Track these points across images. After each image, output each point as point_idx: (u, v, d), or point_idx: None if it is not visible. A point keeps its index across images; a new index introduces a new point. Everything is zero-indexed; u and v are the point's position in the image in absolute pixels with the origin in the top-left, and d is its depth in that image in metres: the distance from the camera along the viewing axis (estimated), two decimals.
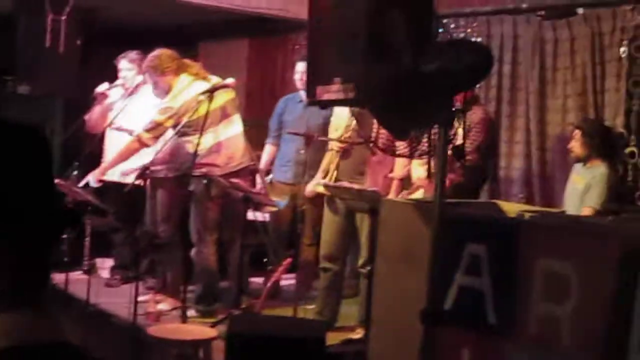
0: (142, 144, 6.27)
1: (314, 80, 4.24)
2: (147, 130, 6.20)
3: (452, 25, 6.94)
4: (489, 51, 3.24)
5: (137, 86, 7.03)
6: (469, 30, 6.91)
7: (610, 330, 3.13)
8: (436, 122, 3.40)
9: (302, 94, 7.22)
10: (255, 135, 7.44)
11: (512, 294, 3.49)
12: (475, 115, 5.57)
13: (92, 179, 6.57)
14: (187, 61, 6.45)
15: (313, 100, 4.28)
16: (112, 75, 7.30)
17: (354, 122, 5.86)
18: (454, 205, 4.06)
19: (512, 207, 4.44)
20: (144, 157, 6.33)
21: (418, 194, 5.47)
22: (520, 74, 6.66)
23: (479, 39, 6.86)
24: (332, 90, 4.11)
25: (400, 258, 4.10)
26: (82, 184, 6.50)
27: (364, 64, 3.64)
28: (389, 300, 4.23)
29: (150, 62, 6.35)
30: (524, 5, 6.55)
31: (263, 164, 7.32)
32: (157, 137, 6.23)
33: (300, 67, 7.04)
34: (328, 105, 4.50)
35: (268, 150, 7.44)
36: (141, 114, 6.70)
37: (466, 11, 6.87)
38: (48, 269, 1.43)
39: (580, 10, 6.26)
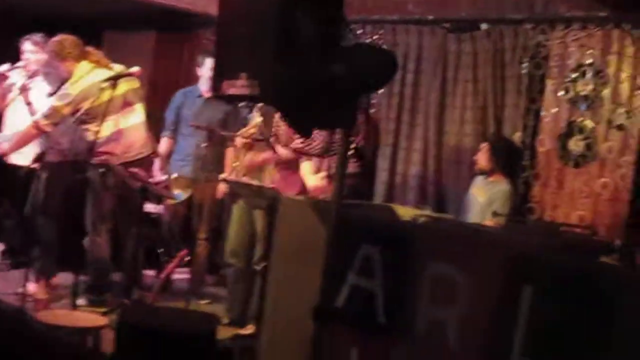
0: (40, 130, 6.17)
1: (219, 74, 4.24)
2: (45, 117, 6.11)
3: (360, 32, 7.04)
4: (393, 56, 3.32)
5: (37, 70, 6.90)
6: (375, 37, 7.01)
7: (495, 335, 3.23)
8: (339, 122, 3.46)
9: (201, 88, 7.22)
10: (156, 127, 7.41)
11: (402, 295, 3.57)
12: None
13: None
14: (89, 49, 6.38)
15: (217, 95, 4.30)
16: (14, 58, 7.16)
17: (260, 119, 5.92)
18: (350, 207, 4.13)
19: (407, 212, 4.53)
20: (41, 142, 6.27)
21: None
22: (423, 83, 6.78)
23: (384, 47, 6.97)
24: (238, 86, 4.13)
25: (296, 256, 4.15)
26: None
27: (271, 61, 3.67)
28: (282, 297, 4.27)
29: (52, 46, 6.28)
30: (430, 17, 6.72)
31: (161, 156, 7.27)
32: (55, 124, 6.14)
33: (207, 62, 7.03)
34: (232, 100, 4.54)
35: (164, 144, 7.40)
36: (40, 98, 6.61)
37: (374, 18, 7.01)
38: None
39: (484, 26, 6.44)
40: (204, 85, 7.19)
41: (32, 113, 6.60)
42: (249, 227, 6.08)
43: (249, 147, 5.97)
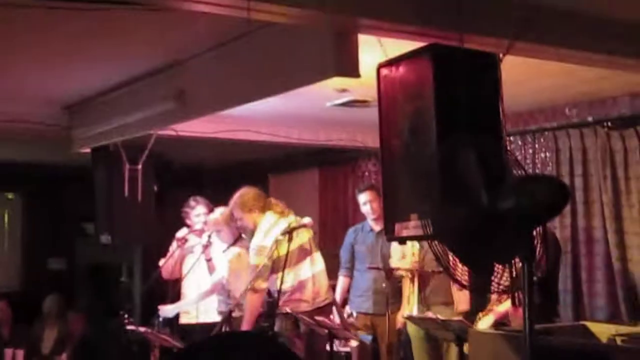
0: (258, 292, 6.28)
1: (391, 217, 4.31)
2: (257, 277, 6.18)
3: (520, 142, 7.02)
4: (563, 184, 3.28)
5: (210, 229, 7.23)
6: (536, 145, 6.96)
7: None
8: (516, 256, 3.42)
9: (371, 223, 7.33)
10: (331, 265, 7.55)
11: None
12: None
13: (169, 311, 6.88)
14: (271, 199, 6.59)
15: (391, 237, 4.35)
16: (180, 217, 7.57)
17: (418, 248, 5.96)
18: (544, 333, 4.03)
19: (601, 329, 4.38)
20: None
21: (488, 319, 5.47)
22: (593, 186, 6.65)
23: (547, 154, 6.91)
24: (410, 227, 4.19)
25: None
26: (160, 314, 6.81)
27: (439, 202, 3.70)
28: None
29: (238, 199, 6.52)
30: (590, 119, 6.62)
31: (338, 295, 7.39)
32: (266, 279, 6.28)
33: (362, 198, 7.24)
34: (406, 240, 4.57)
35: (342, 282, 7.55)
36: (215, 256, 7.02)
37: (532, 128, 6.97)
38: None
39: None
40: (370, 220, 7.32)
41: (212, 269, 6.88)
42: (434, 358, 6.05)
43: (420, 278, 5.98)
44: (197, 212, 7.42)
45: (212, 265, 7.03)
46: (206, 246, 7.05)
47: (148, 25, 4.79)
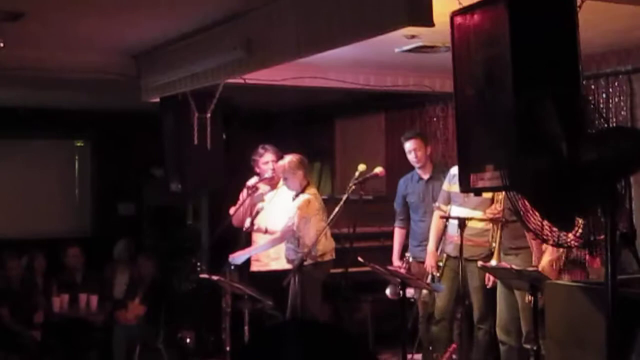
0: None
1: (466, 169, 4.27)
2: None
3: (592, 86, 6.87)
4: None
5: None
6: (610, 89, 6.81)
7: None
8: (599, 209, 3.36)
9: (419, 171, 7.26)
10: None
11: None
12: None
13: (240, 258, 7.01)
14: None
15: (467, 189, 4.32)
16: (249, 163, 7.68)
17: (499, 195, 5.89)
18: (623, 285, 3.98)
19: None
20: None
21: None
22: None
23: (621, 98, 6.76)
24: (486, 178, 4.15)
25: (571, 342, 4.05)
26: (231, 262, 6.90)
27: (517, 152, 3.64)
28: None
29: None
30: None
31: (396, 247, 7.45)
32: None
33: (408, 146, 7.20)
34: (482, 192, 4.54)
35: (397, 234, 7.57)
36: (280, 212, 7.14)
37: (606, 71, 6.81)
38: None
39: None
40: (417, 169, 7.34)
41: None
42: (515, 305, 6.02)
43: (500, 226, 5.93)
44: (266, 159, 7.46)
45: None
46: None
47: None
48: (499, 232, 5.94)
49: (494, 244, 6.00)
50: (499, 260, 5.87)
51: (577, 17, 4.12)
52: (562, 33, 4.06)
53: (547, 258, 5.66)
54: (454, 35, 4.22)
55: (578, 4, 4.21)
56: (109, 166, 11.47)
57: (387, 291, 6.88)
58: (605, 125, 3.32)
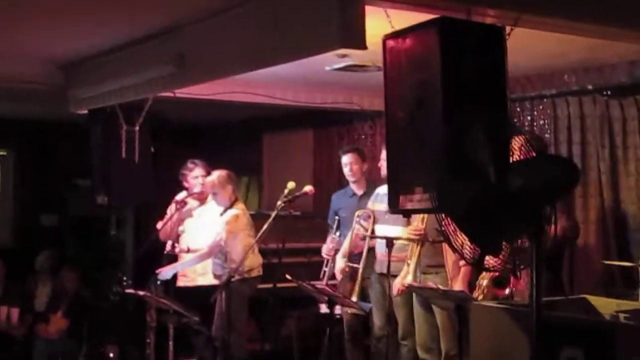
0: None
1: (395, 188, 4.32)
2: None
3: (518, 109, 7.01)
4: (574, 165, 3.30)
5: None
6: (535, 112, 6.96)
7: None
8: (525, 234, 3.44)
9: (353, 187, 7.31)
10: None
11: None
12: None
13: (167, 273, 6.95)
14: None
15: (395, 210, 4.37)
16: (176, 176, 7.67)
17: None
18: (547, 307, 4.07)
19: (603, 303, 4.42)
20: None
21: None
22: (591, 154, 6.67)
23: (545, 121, 6.92)
24: (415, 200, 4.20)
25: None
26: (159, 277, 6.83)
27: (446, 176, 3.70)
28: None
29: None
30: (590, 87, 6.62)
31: (330, 246, 7.38)
32: None
33: (344, 160, 7.25)
34: (411, 213, 4.60)
35: (331, 240, 7.42)
36: (208, 227, 7.13)
37: (531, 95, 6.97)
38: None
39: None
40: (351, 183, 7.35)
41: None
42: (434, 324, 6.09)
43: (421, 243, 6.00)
44: (195, 174, 7.45)
45: None
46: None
47: None
48: (418, 249, 5.99)
49: (409, 261, 6.05)
50: (415, 278, 5.92)
51: (506, 44, 4.23)
52: (491, 59, 4.17)
53: (460, 282, 5.77)
54: (386, 58, 4.28)
55: (507, 31, 4.31)
56: (32, 176, 11.28)
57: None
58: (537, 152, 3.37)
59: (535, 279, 3.46)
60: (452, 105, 3.94)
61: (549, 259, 5.30)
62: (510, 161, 3.35)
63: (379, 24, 4.34)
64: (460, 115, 3.71)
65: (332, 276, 7.08)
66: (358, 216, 6.80)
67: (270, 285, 6.82)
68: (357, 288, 6.52)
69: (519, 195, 3.27)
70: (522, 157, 3.39)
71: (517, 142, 3.41)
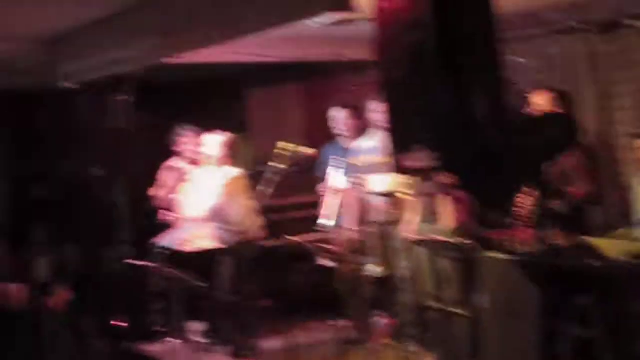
0: None
1: (395, 148, 4.35)
2: None
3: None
4: (573, 121, 3.33)
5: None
6: (520, 52, 6.92)
7: None
8: (529, 187, 3.49)
9: (342, 140, 7.31)
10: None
11: (627, 341, 3.55)
12: None
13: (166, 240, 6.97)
14: None
15: (396, 168, 4.41)
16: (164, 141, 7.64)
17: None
18: (550, 254, 4.12)
19: (607, 245, 4.43)
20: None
21: None
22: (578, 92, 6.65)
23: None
24: (414, 158, 4.23)
25: (504, 310, 4.18)
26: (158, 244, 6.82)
27: (447, 135, 3.74)
28: (496, 352, 4.31)
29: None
30: (574, 23, 6.58)
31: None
32: None
33: (334, 114, 7.24)
34: (412, 171, 4.62)
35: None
36: (205, 191, 7.10)
37: (516, 34, 6.91)
38: None
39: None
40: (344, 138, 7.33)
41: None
42: (436, 269, 6.13)
43: None
44: (186, 138, 7.41)
45: None
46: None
47: None
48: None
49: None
50: (419, 230, 5.94)
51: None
52: (482, 12, 4.16)
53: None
54: (378, 19, 4.27)
55: None
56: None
57: None
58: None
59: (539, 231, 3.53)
60: (448, 62, 3.95)
61: (568, 219, 5.26)
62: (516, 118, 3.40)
63: None
64: (456, 75, 3.72)
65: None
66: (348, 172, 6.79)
67: (276, 242, 6.83)
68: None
69: (521, 152, 3.31)
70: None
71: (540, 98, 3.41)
